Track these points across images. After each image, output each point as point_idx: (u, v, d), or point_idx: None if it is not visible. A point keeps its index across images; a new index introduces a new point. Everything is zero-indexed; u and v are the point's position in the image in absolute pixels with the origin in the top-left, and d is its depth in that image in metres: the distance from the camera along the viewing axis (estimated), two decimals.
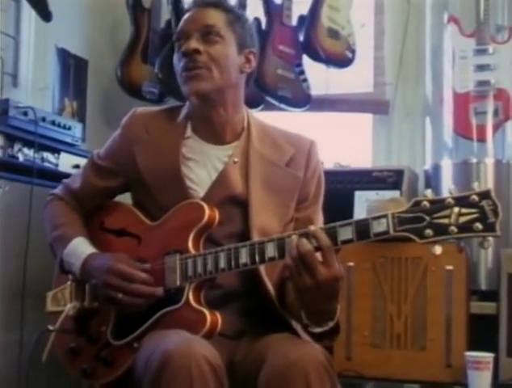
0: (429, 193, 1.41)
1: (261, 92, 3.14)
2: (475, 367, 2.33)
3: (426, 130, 3.20)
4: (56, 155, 2.65)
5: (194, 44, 1.66)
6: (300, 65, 3.20)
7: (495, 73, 2.91)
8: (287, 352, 1.47)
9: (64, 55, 3.25)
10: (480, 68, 2.92)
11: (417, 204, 1.38)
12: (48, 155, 2.61)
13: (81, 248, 1.72)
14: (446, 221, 1.35)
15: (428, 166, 3.10)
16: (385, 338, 2.60)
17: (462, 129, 2.97)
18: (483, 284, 2.75)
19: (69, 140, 2.76)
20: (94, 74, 3.43)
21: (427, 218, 1.36)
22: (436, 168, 3.01)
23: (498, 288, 2.56)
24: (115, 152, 1.80)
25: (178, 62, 1.71)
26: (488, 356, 2.33)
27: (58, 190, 1.90)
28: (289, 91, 3.13)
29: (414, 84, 3.28)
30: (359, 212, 2.88)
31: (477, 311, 2.61)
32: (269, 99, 3.15)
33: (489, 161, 2.89)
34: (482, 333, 2.54)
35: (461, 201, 1.35)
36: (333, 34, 3.17)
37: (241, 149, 1.73)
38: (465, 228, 1.34)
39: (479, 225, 1.33)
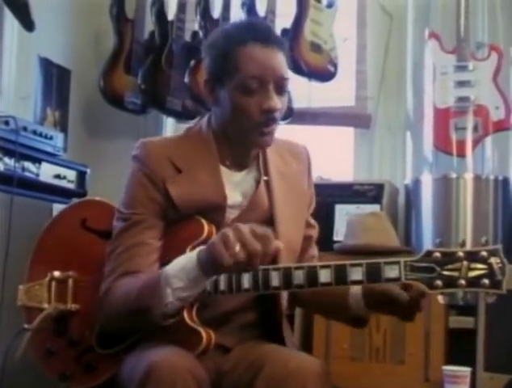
0: (439, 242, 1.47)
1: None
2: (452, 381, 2.33)
3: (407, 145, 3.22)
4: (37, 165, 2.64)
5: (277, 102, 1.58)
6: None
7: (475, 89, 2.92)
8: (287, 360, 1.48)
9: (46, 64, 3.24)
10: (461, 84, 2.94)
11: (429, 254, 1.44)
12: (28, 165, 2.60)
13: (181, 262, 1.50)
14: (455, 274, 1.42)
15: (408, 180, 3.11)
16: (364, 351, 2.60)
17: (442, 144, 2.99)
18: (461, 299, 2.76)
19: (50, 150, 2.75)
20: (76, 84, 3.42)
21: (438, 269, 1.42)
22: (416, 183, 3.02)
23: (476, 302, 2.58)
24: (149, 194, 1.61)
25: (238, 98, 1.58)
26: (465, 370, 2.33)
27: (106, 283, 1.60)
28: None
29: (395, 98, 3.30)
30: (340, 226, 2.89)
31: (455, 326, 2.62)
32: None
33: (469, 176, 2.90)
34: (460, 347, 2.55)
35: (471, 256, 1.42)
36: (316, 48, 3.19)
37: (263, 167, 1.71)
38: (473, 283, 1.41)
39: (486, 281, 1.40)
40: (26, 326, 1.69)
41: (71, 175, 2.81)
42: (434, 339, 2.52)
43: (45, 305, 1.68)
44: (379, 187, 2.97)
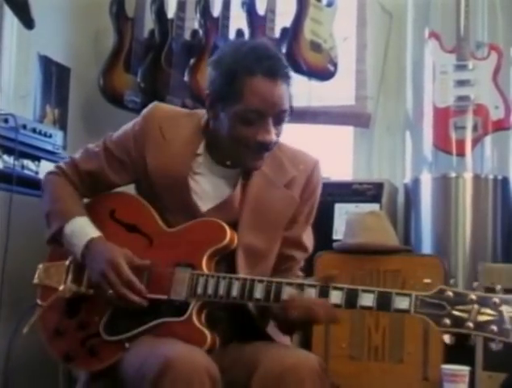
0: (453, 283, 1.54)
1: None
2: (451, 380, 2.31)
3: (406, 144, 3.22)
4: (36, 163, 2.63)
5: (273, 135, 1.63)
6: None
7: (475, 88, 2.93)
8: (284, 357, 1.52)
9: (46, 62, 3.23)
10: (460, 83, 2.95)
11: (442, 292, 1.46)
12: (28, 163, 2.59)
13: (86, 229, 1.69)
14: (465, 315, 1.43)
15: (408, 179, 3.12)
16: (363, 350, 2.61)
17: (441, 143, 2.99)
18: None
19: (49, 147, 2.74)
20: (76, 82, 3.41)
21: (448, 308, 1.44)
22: (415, 182, 3.02)
23: None
24: (130, 144, 1.77)
25: (235, 125, 1.63)
26: (464, 369, 2.32)
27: (65, 165, 1.84)
28: None
29: (395, 98, 3.30)
30: (339, 225, 2.89)
31: None
32: None
33: (468, 175, 2.91)
34: (459, 346, 2.55)
35: (483, 301, 1.43)
36: (316, 47, 3.19)
37: (248, 170, 1.74)
38: (482, 327, 1.42)
39: (495, 328, 1.41)
40: (39, 302, 1.74)
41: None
42: (432, 338, 2.52)
43: (61, 286, 1.72)
44: (379, 187, 2.97)
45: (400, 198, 3.15)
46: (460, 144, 2.93)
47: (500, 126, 2.94)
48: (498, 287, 1.44)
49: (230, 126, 1.63)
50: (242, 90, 1.60)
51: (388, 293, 1.48)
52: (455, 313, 1.43)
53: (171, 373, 1.40)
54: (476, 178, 2.92)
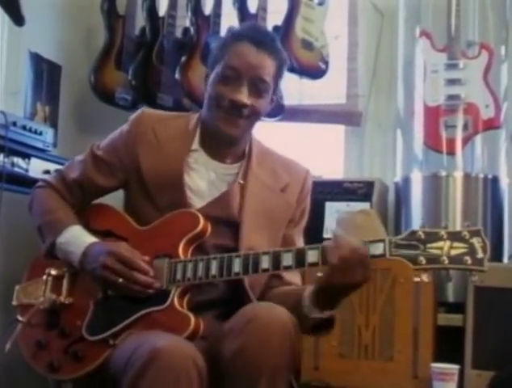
0: (422, 224, 1.52)
1: None
2: (440, 378, 2.35)
3: (397, 142, 3.21)
4: (26, 160, 2.63)
5: (245, 98, 1.69)
6: None
7: (465, 87, 2.92)
8: (256, 307, 1.56)
9: (37, 60, 3.23)
10: (451, 82, 2.94)
11: (413, 233, 1.49)
12: (18, 160, 2.59)
13: (81, 237, 1.71)
14: (438, 252, 1.46)
15: (398, 178, 3.11)
16: (353, 348, 2.61)
17: (432, 142, 2.99)
18: (450, 297, 2.77)
19: (40, 145, 2.75)
20: (67, 80, 3.42)
21: (421, 247, 1.48)
22: (406, 180, 3.02)
23: (465, 300, 2.59)
24: (120, 147, 1.79)
25: (214, 83, 1.73)
26: (453, 367, 2.35)
27: (51, 179, 1.87)
28: None
29: (386, 96, 3.30)
30: (330, 223, 2.89)
31: (444, 323, 2.63)
32: None
33: (458, 174, 2.91)
34: (448, 345, 2.56)
35: (453, 236, 1.47)
36: (307, 45, 3.19)
37: (242, 171, 1.79)
38: (456, 260, 1.45)
39: (468, 259, 1.44)
40: (19, 317, 1.73)
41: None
42: (422, 336, 2.54)
43: (40, 299, 1.72)
44: (370, 185, 2.98)
45: (391, 197, 3.15)
46: (451, 143, 2.93)
47: (490, 125, 2.94)
48: (466, 223, 1.49)
49: (211, 87, 1.72)
50: (227, 52, 1.71)
51: (364, 243, 1.52)
52: (429, 250, 1.46)
53: (158, 362, 1.41)
54: (467, 177, 2.91)
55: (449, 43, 2.96)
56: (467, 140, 2.94)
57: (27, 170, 2.62)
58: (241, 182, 1.76)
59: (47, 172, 2.69)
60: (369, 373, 2.58)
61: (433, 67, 2.98)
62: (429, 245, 1.47)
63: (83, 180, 1.81)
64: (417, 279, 2.57)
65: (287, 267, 1.56)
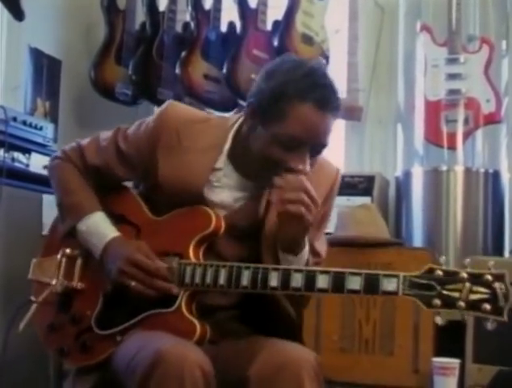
0: (443, 261, 1.43)
1: (234, 96, 3.14)
2: (441, 373, 2.33)
3: (398, 137, 3.21)
4: (26, 155, 2.64)
5: (307, 165, 1.54)
6: None
7: (466, 82, 2.93)
8: (282, 350, 1.50)
9: (37, 55, 3.23)
10: (452, 77, 2.94)
11: (431, 271, 1.40)
12: (18, 155, 2.60)
13: (103, 228, 1.67)
14: (456, 294, 1.37)
15: (399, 172, 3.12)
16: (354, 343, 2.61)
17: (433, 137, 2.99)
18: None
19: (40, 140, 2.75)
20: (67, 75, 3.41)
21: (438, 288, 1.38)
22: (407, 175, 3.03)
23: None
24: (143, 143, 1.68)
25: (270, 144, 1.54)
26: (454, 362, 2.34)
27: (71, 153, 1.77)
28: None
29: (387, 91, 3.30)
30: (330, 218, 2.89)
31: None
32: (242, 103, 3.15)
33: (459, 169, 2.92)
34: (449, 339, 2.56)
35: (474, 278, 1.37)
36: (307, 40, 3.18)
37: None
38: (474, 306, 1.36)
39: (487, 306, 1.35)
40: (32, 298, 1.72)
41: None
42: (423, 330, 2.53)
43: (53, 281, 1.71)
44: (370, 180, 2.98)
45: (392, 191, 3.15)
46: (451, 137, 2.93)
47: (491, 119, 2.94)
48: (491, 263, 1.38)
49: (265, 143, 1.55)
50: (288, 112, 1.51)
51: (375, 275, 1.43)
52: (446, 292, 1.37)
53: (162, 367, 1.39)
54: (467, 171, 2.92)
55: (450, 37, 2.96)
56: (468, 134, 2.95)
57: (27, 166, 2.63)
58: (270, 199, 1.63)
59: (47, 167, 2.69)
60: (370, 368, 2.57)
61: (433, 61, 2.98)
62: (447, 286, 1.37)
63: (102, 168, 1.73)
64: None
65: (296, 289, 1.49)
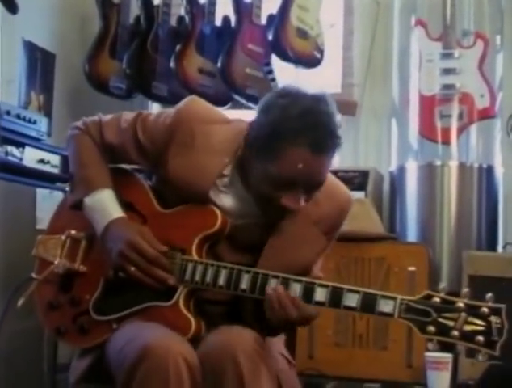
0: (442, 289, 1.42)
1: (229, 90, 3.14)
2: (434, 367, 2.35)
3: (392, 132, 3.22)
4: (20, 149, 2.61)
5: (302, 204, 1.52)
6: (268, 64, 3.19)
7: (460, 77, 2.93)
8: (224, 332, 1.52)
9: (31, 48, 3.20)
10: (446, 72, 2.95)
11: (429, 297, 1.41)
12: (12, 149, 2.57)
13: (109, 207, 1.66)
14: (451, 323, 1.37)
15: (393, 167, 3.12)
16: (348, 337, 2.62)
17: (427, 132, 2.99)
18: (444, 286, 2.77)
19: (34, 134, 2.73)
20: (61, 68, 3.38)
21: (434, 315, 1.38)
22: (401, 170, 3.03)
23: (459, 289, 2.59)
24: (158, 136, 1.66)
25: (264, 181, 1.52)
26: (447, 356, 2.35)
27: (92, 127, 1.74)
28: (257, 90, 3.12)
29: (381, 85, 3.30)
30: None
31: None
32: (237, 97, 3.15)
33: (453, 163, 2.93)
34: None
35: (471, 309, 1.37)
36: (302, 34, 3.17)
37: None
38: (467, 337, 1.36)
39: (481, 339, 1.35)
40: (34, 275, 1.73)
41: (55, 159, 2.78)
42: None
43: (56, 260, 1.72)
44: (365, 174, 2.98)
45: (386, 186, 3.15)
46: (446, 132, 2.93)
47: (485, 114, 2.95)
48: (489, 295, 1.38)
49: (258, 179, 1.54)
50: (280, 153, 1.48)
51: (373, 295, 1.44)
52: (441, 320, 1.37)
53: (147, 361, 1.40)
54: (462, 166, 2.93)
55: (444, 32, 2.96)
56: (462, 129, 2.95)
57: (21, 160, 2.60)
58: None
59: (41, 161, 2.69)
60: (364, 362, 2.59)
61: (428, 56, 2.98)
62: (443, 314, 1.38)
63: (118, 148, 1.71)
64: (411, 268, 2.58)
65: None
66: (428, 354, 2.37)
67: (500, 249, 2.94)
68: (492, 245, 2.91)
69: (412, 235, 2.94)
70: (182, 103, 1.68)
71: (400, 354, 2.55)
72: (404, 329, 2.51)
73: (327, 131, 1.49)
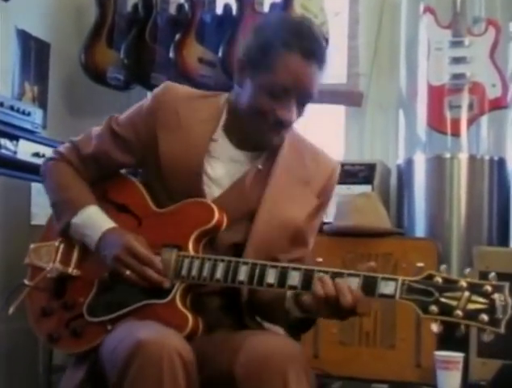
0: (443, 269, 1.42)
1: (230, 80, 3.07)
2: (444, 367, 2.31)
3: (400, 123, 3.21)
4: (14, 142, 2.59)
5: (294, 115, 1.63)
6: None
7: (471, 66, 2.91)
8: (265, 342, 1.51)
9: (24, 37, 3.18)
10: (456, 60, 2.93)
11: (430, 277, 1.41)
12: (6, 142, 2.55)
13: (100, 220, 1.70)
14: (454, 303, 1.37)
15: (401, 160, 3.10)
16: (354, 335, 2.60)
17: (436, 123, 2.97)
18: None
19: (28, 126, 2.72)
20: (56, 58, 3.37)
21: (436, 294, 1.38)
22: (409, 163, 3.01)
23: None
24: (140, 125, 1.73)
25: (258, 95, 1.62)
26: (457, 355, 2.31)
27: (65, 150, 1.81)
28: None
29: (388, 75, 3.28)
30: (330, 207, 2.85)
31: None
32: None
33: (463, 156, 2.90)
34: (452, 332, 2.52)
35: (474, 288, 1.37)
36: None
37: (268, 156, 1.72)
38: (471, 316, 1.35)
39: (485, 317, 1.34)
40: (26, 281, 1.75)
41: (50, 153, 2.75)
42: (425, 323, 2.47)
43: (49, 266, 1.73)
44: (371, 168, 2.96)
45: (393, 179, 3.13)
46: (455, 123, 2.91)
47: (497, 105, 2.92)
48: (492, 274, 1.37)
49: (253, 95, 1.63)
50: (276, 62, 1.60)
51: (374, 278, 1.44)
52: (444, 300, 1.37)
53: (140, 357, 1.40)
54: (472, 159, 2.90)
55: (454, 19, 2.94)
56: (472, 120, 2.93)
57: (15, 153, 2.59)
58: (260, 167, 1.70)
59: (36, 155, 2.67)
60: (370, 361, 2.56)
61: (437, 44, 2.97)
62: (445, 293, 1.37)
63: (99, 155, 1.76)
64: (419, 264, 2.51)
65: (293, 287, 1.51)
66: (438, 353, 2.34)
67: None
68: (503, 240, 2.88)
69: (420, 230, 2.91)
70: (158, 89, 1.76)
71: (409, 353, 2.52)
72: (412, 327, 2.50)
73: (318, 40, 1.64)
